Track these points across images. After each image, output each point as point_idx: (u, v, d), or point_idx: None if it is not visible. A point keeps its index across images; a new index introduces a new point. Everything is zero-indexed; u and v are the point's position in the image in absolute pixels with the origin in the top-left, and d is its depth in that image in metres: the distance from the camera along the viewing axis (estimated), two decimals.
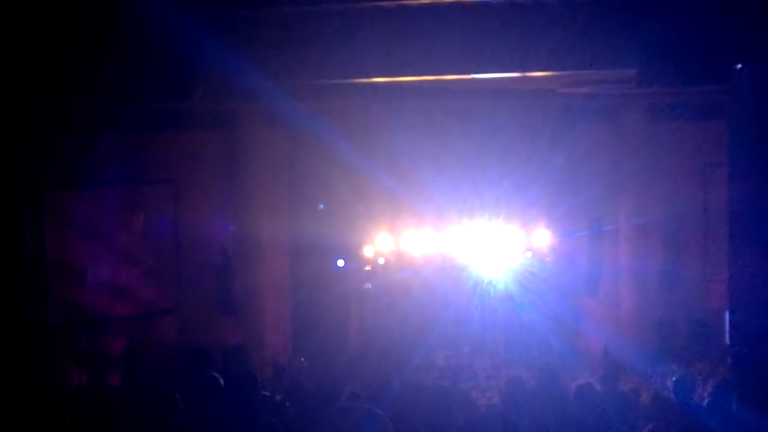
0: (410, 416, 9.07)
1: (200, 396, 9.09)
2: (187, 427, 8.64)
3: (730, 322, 12.05)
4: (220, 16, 11.18)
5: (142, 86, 12.40)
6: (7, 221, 12.47)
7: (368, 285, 17.13)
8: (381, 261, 17.16)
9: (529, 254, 16.28)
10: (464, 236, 16.09)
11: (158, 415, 8.70)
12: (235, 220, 15.68)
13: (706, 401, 9.48)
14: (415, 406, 9.31)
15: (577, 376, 11.97)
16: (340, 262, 16.92)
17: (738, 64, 10.96)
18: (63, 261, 13.89)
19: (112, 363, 13.92)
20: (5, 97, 11.80)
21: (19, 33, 11.07)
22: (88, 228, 14.20)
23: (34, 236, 13.35)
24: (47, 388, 12.81)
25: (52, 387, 13.02)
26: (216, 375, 9.50)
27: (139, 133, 14.54)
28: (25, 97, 12.08)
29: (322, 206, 16.38)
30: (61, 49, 11.39)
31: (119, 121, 13.85)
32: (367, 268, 17.12)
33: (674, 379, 10.04)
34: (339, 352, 15.03)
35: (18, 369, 12.15)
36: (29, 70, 11.48)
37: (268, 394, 10.13)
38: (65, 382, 13.39)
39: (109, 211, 14.63)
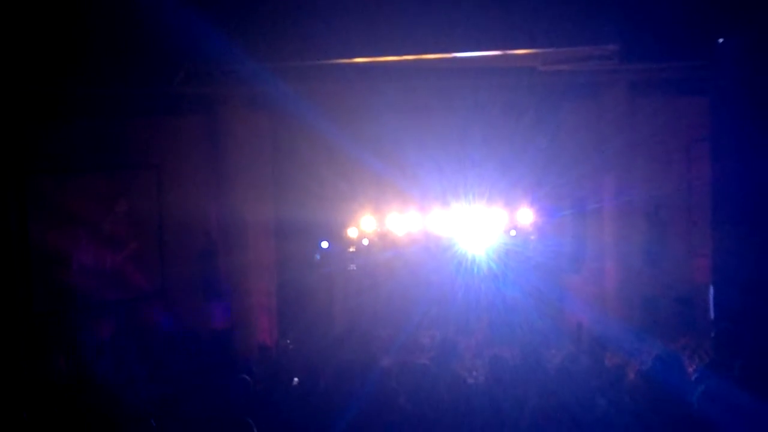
0: (396, 395, 9.08)
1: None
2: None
3: (714, 297, 12.12)
4: None
5: (124, 71, 12.37)
6: None
7: (353, 266, 17.13)
8: (365, 242, 17.16)
9: (513, 233, 16.30)
10: (448, 216, 16.09)
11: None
12: (219, 203, 15.59)
13: (693, 377, 9.53)
14: (401, 385, 9.32)
15: (560, 353, 12.03)
16: (324, 244, 16.92)
17: (720, 38, 10.94)
18: (47, 247, 13.85)
19: (98, 348, 13.90)
20: None
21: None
22: (71, 214, 14.16)
23: (17, 223, 13.31)
24: (33, 375, 12.79)
25: (39, 374, 13.00)
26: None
27: (121, 118, 14.46)
28: (6, 83, 12.01)
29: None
30: (39, 34, 11.32)
31: (101, 106, 13.79)
32: (352, 249, 17.12)
33: (655, 355, 10.07)
34: (324, 332, 15.03)
35: (4, 356, 12.14)
36: (8, 56, 11.41)
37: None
38: (52, 369, 13.37)
39: (92, 196, 14.57)
